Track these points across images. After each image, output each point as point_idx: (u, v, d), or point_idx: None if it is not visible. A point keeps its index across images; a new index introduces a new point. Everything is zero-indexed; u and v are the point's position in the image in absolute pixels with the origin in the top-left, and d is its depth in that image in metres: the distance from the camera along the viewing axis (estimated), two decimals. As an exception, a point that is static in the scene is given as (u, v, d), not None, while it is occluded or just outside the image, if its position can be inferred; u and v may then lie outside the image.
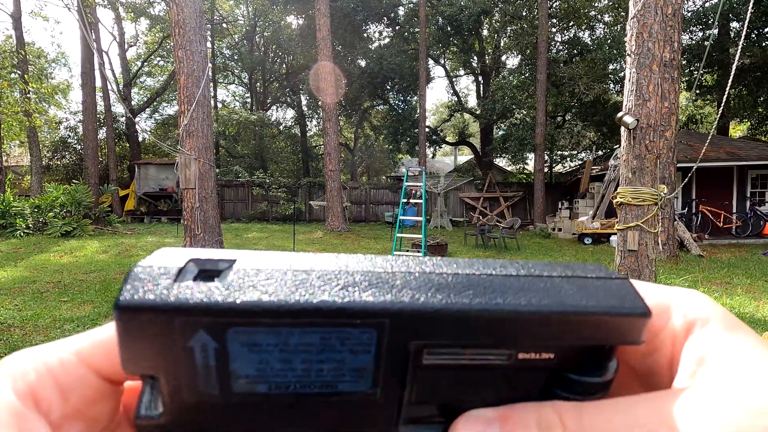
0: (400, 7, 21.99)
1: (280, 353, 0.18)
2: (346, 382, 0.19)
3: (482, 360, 0.20)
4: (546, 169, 19.10)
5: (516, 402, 0.20)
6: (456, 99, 25.59)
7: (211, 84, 23.40)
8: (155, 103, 26.42)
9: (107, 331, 0.21)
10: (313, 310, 0.18)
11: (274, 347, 0.18)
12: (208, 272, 0.19)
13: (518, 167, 20.58)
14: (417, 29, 18.61)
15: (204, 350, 0.18)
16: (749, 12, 4.30)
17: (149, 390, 0.19)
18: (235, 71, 27.49)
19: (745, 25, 4.23)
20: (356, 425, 0.20)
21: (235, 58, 25.97)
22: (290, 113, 28.62)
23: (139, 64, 25.88)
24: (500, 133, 21.58)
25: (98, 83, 17.48)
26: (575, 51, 18.74)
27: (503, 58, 22.95)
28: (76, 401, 0.20)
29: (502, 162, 22.72)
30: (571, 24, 19.46)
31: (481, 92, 23.45)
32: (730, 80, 4.28)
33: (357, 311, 0.18)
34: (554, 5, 19.25)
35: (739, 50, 4.13)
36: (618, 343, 0.20)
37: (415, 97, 20.78)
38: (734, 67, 4.20)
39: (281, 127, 26.19)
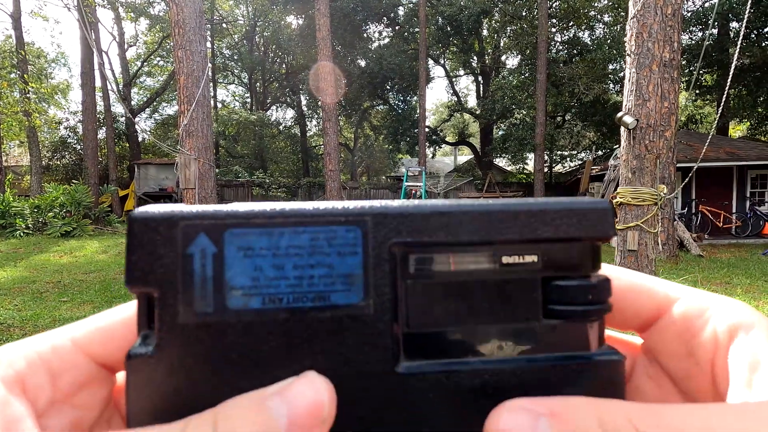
0: (400, 7, 21.97)
1: (273, 257, 0.19)
2: (338, 291, 0.19)
3: (468, 266, 0.20)
4: (546, 169, 19.10)
5: (517, 324, 0.20)
6: (456, 99, 25.58)
7: (211, 84, 23.38)
8: (155, 103, 26.40)
9: (104, 318, 0.22)
10: (301, 211, 0.19)
11: (267, 251, 0.19)
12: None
13: (518, 167, 20.58)
14: (417, 29, 18.60)
15: (203, 257, 0.18)
16: (747, 12, 4.31)
17: (143, 319, 0.19)
18: (235, 71, 27.47)
19: (743, 25, 4.23)
20: (354, 350, 0.19)
21: (235, 58, 25.95)
22: (290, 113, 28.62)
23: (138, 64, 25.86)
24: (500, 133, 21.57)
25: (98, 83, 17.47)
26: (575, 51, 18.73)
27: (503, 58, 22.94)
28: (66, 385, 0.20)
29: (502, 162, 22.72)
30: (570, 24, 19.45)
31: (481, 92, 23.44)
32: (729, 80, 4.28)
33: (341, 211, 0.19)
34: (554, 5, 19.24)
35: (737, 50, 4.13)
36: (589, 237, 0.20)
37: (415, 97, 20.77)
38: (732, 67, 4.20)
39: (281, 127, 26.17)
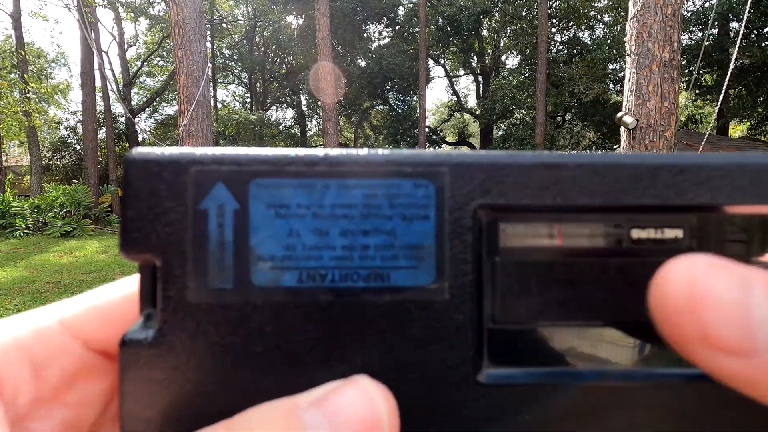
0: (400, 7, 21.98)
1: (314, 219, 0.15)
2: (401, 268, 0.15)
3: (582, 241, 0.15)
4: (546, 169, 19.09)
5: (647, 325, 0.14)
6: (456, 99, 25.58)
7: (211, 84, 23.38)
8: (155, 103, 26.41)
9: (102, 294, 0.18)
10: (355, 157, 0.15)
11: (306, 210, 0.15)
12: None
13: (518, 167, 20.58)
14: (417, 29, 18.60)
15: (220, 215, 0.14)
16: (747, 12, 4.31)
17: (147, 295, 0.16)
18: (235, 71, 27.47)
19: (742, 26, 4.24)
20: (421, 349, 0.15)
21: (235, 58, 25.95)
22: (290, 113, 28.62)
23: (138, 64, 25.86)
24: (500, 133, 21.57)
25: (98, 83, 17.48)
26: (575, 51, 18.74)
27: (503, 58, 22.94)
28: (55, 378, 0.16)
29: (501, 162, 22.72)
30: (570, 24, 19.45)
31: (481, 92, 23.44)
32: (726, 80, 4.29)
33: (409, 159, 0.15)
34: (554, 5, 19.24)
35: (736, 50, 4.14)
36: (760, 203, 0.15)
37: (415, 97, 20.77)
38: (731, 67, 4.20)
39: (281, 127, 26.18)
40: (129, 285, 0.19)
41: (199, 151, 0.15)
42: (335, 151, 0.15)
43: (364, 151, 0.15)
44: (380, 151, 0.15)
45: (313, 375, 0.15)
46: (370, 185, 0.14)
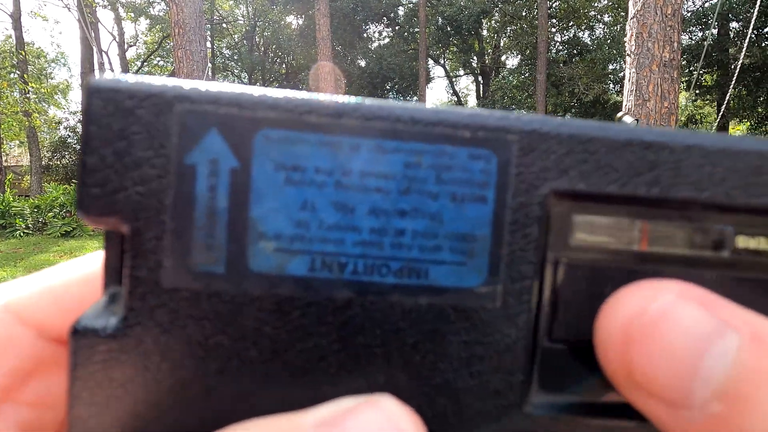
0: (400, 7, 21.99)
1: (336, 190, 0.11)
2: (443, 264, 0.11)
3: (673, 247, 0.12)
4: (546, 169, 19.15)
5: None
6: (456, 99, 25.59)
7: (211, 84, 23.33)
8: (155, 103, 26.47)
9: (59, 273, 0.15)
10: (394, 111, 0.11)
11: (327, 177, 0.11)
12: None
13: (518, 167, 20.63)
14: (417, 29, 18.61)
15: (213, 174, 0.11)
16: (755, 12, 4.31)
17: (113, 271, 0.12)
18: (235, 71, 27.48)
19: (751, 26, 4.24)
20: (461, 366, 0.12)
21: (235, 58, 25.96)
22: (290, 113, 28.67)
23: (138, 64, 25.88)
24: (500, 133, 21.60)
25: (98, 83, 17.51)
26: (575, 51, 18.75)
27: (503, 58, 22.95)
28: (4, 374, 0.13)
29: (501, 162, 22.77)
30: (570, 24, 19.45)
31: (481, 92, 23.45)
32: (733, 81, 4.29)
33: (465, 119, 0.11)
34: (554, 5, 19.25)
35: (744, 51, 4.14)
36: None
37: (415, 97, 20.78)
38: (738, 66, 4.20)
39: (281, 127, 26.25)
40: (93, 262, 0.16)
41: (189, 84, 0.11)
42: (370, 101, 0.12)
43: (408, 105, 0.12)
44: (430, 106, 0.12)
45: (322, 391, 0.11)
46: (413, 150, 0.11)
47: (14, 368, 0.13)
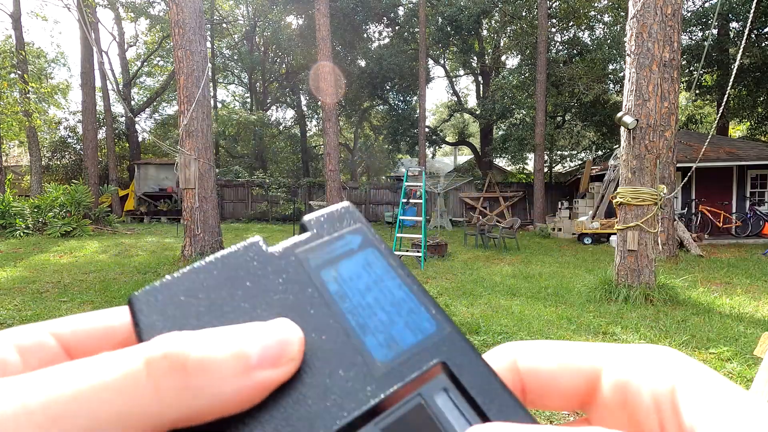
0: (400, 7, 21.98)
1: None
2: None
3: None
4: (546, 169, 19.11)
5: None
6: (456, 99, 25.58)
7: (211, 84, 23.39)
8: (155, 103, 26.42)
9: (101, 318, 0.16)
10: None
11: None
12: None
13: (518, 167, 20.58)
14: (417, 29, 18.61)
15: None
16: (752, 12, 4.32)
17: None
18: (235, 71, 27.47)
19: (748, 25, 4.24)
20: None
21: (235, 58, 25.95)
22: (290, 113, 28.64)
23: (138, 64, 25.87)
24: (500, 133, 21.56)
25: (98, 83, 17.49)
26: (575, 51, 18.74)
27: (503, 58, 22.93)
28: None
29: (501, 162, 22.71)
30: (570, 24, 19.45)
31: (481, 92, 23.45)
32: (731, 81, 4.29)
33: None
34: (554, 5, 19.24)
35: (744, 51, 4.14)
36: None
37: (415, 97, 20.77)
38: (736, 66, 4.21)
39: (281, 127, 26.19)
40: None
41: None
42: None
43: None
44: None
45: None
46: None
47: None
